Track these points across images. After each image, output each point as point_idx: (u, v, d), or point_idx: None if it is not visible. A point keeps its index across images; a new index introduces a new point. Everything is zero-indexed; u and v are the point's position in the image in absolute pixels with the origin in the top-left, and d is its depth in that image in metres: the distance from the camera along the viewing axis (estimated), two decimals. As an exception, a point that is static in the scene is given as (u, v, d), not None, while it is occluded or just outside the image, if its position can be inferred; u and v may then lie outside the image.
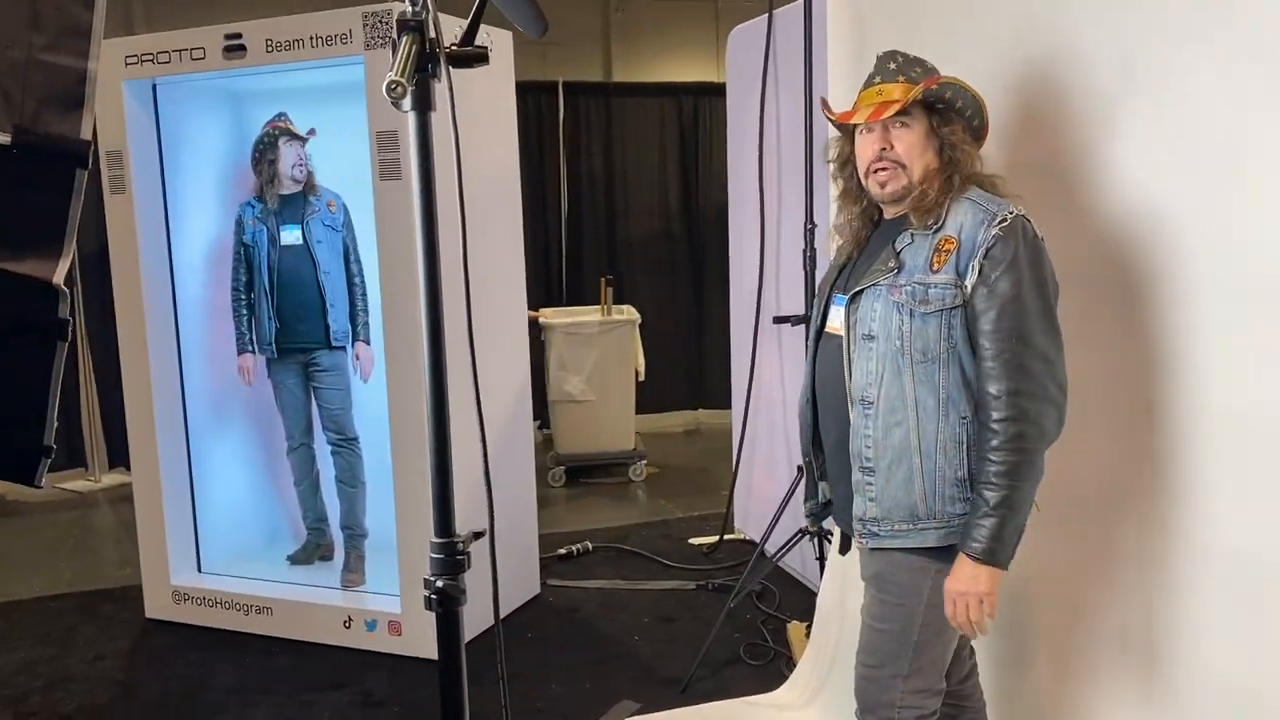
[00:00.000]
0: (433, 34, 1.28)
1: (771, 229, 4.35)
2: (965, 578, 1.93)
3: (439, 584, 1.36)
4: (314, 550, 4.35)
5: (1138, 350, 2.18)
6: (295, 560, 4.33)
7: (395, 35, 1.27)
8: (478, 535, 1.42)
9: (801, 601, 4.11)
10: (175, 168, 4.15)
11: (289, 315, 4.07)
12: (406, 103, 1.30)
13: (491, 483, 1.53)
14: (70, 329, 1.43)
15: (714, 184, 7.41)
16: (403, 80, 1.24)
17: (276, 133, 4.01)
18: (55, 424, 1.47)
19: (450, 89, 1.29)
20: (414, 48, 1.25)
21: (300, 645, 3.91)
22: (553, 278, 7.33)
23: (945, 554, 1.99)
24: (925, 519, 1.98)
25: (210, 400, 4.35)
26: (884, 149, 2.03)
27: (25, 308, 1.40)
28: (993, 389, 1.89)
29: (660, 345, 7.34)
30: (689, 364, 7.50)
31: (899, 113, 2.00)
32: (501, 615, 4.00)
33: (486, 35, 3.67)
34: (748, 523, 4.89)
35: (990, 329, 1.90)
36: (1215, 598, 2.06)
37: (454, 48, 1.33)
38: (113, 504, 6.08)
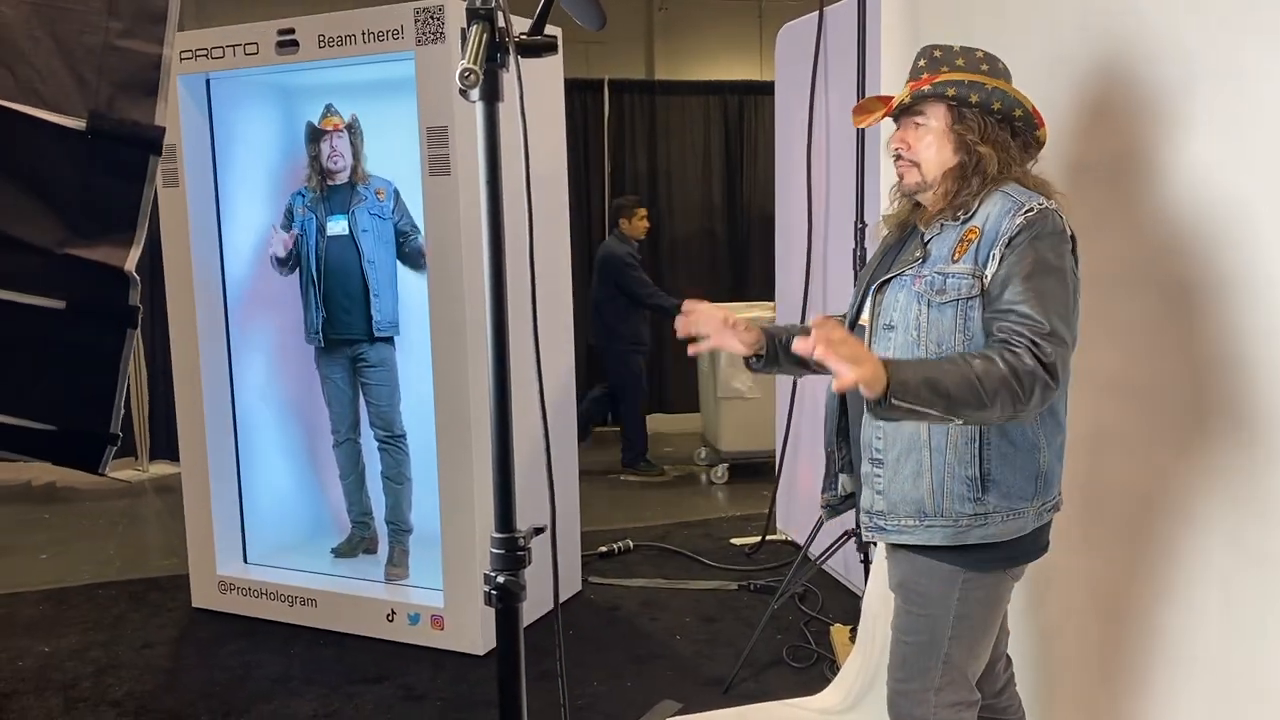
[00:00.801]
0: (502, 23, 1.27)
1: (819, 228, 4.32)
2: (858, 347, 1.69)
3: (500, 579, 1.34)
4: (358, 543, 4.38)
5: (1210, 354, 2.12)
6: (339, 553, 4.36)
7: (465, 24, 1.26)
8: (538, 531, 1.40)
9: (844, 604, 4.07)
10: (227, 162, 4.19)
11: (334, 305, 4.10)
12: (475, 92, 1.28)
13: (549, 479, 1.51)
14: (138, 315, 1.44)
15: (758, 183, 7.39)
16: (475, 68, 1.23)
17: (311, 127, 4.07)
18: (122, 412, 1.47)
19: (519, 78, 1.28)
20: (484, 36, 1.25)
21: (343, 637, 3.93)
22: (590, 274, 7.33)
23: (971, 560, 1.94)
24: (933, 516, 1.93)
25: (258, 392, 4.39)
26: (899, 147, 2.01)
27: (96, 294, 1.40)
28: (993, 351, 1.78)
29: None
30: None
31: (914, 111, 1.97)
32: (540, 614, 4.04)
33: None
34: (790, 524, 4.86)
35: (1003, 302, 1.82)
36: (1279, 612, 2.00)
37: (523, 36, 1.32)
38: (159, 494, 6.17)
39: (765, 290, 7.29)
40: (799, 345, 1.66)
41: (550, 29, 4.13)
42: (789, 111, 4.66)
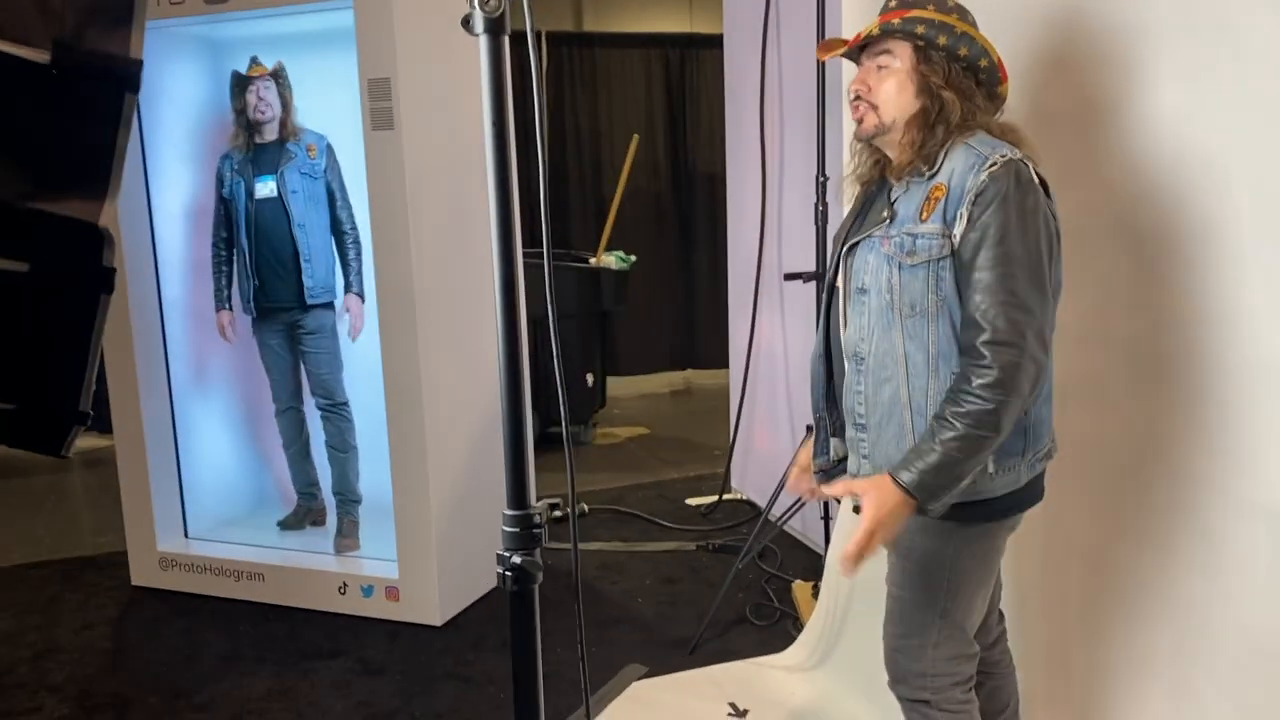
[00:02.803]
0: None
1: (774, 184, 4.24)
2: (875, 500, 1.76)
3: (515, 560, 1.24)
4: (305, 515, 4.24)
5: (1184, 303, 2.10)
6: (286, 525, 4.22)
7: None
8: (553, 508, 1.31)
9: (803, 561, 4.06)
10: (153, 120, 3.97)
11: (266, 272, 3.92)
12: (479, 24, 1.16)
13: (569, 456, 1.40)
14: (114, 278, 1.27)
15: (702, 140, 7.29)
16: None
17: (236, 76, 3.86)
18: (94, 388, 1.32)
19: (530, 11, 1.16)
20: None
21: (294, 612, 3.81)
22: (537, 233, 7.19)
23: (967, 515, 1.90)
24: None
25: (194, 361, 4.21)
26: (858, 88, 1.93)
27: (66, 254, 1.24)
28: (971, 336, 1.77)
29: (647, 305, 7.24)
30: (677, 324, 7.41)
31: (881, 50, 1.89)
32: (496, 583, 3.94)
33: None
34: (746, 483, 4.83)
35: (973, 275, 1.78)
36: (1264, 558, 2.00)
37: None
38: (88, 468, 5.93)
39: (711, 249, 7.23)
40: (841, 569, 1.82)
41: None
42: (739, 64, 4.57)
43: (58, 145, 1.20)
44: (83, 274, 1.25)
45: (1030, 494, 1.95)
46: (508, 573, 1.27)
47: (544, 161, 1.23)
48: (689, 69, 7.27)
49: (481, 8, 1.10)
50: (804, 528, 4.21)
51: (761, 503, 3.98)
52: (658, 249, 7.36)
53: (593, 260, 6.00)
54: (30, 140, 1.20)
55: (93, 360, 1.30)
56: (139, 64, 1.21)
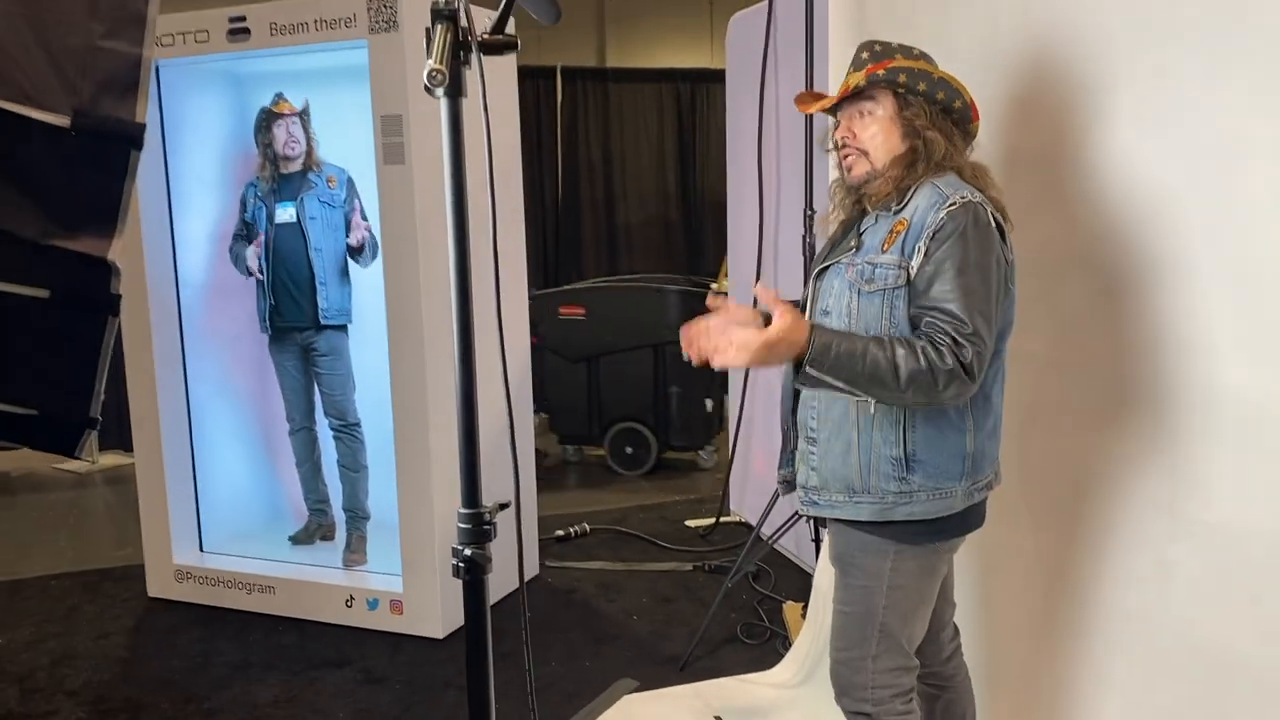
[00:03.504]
0: (464, 22, 1.31)
1: (770, 215, 4.40)
2: (787, 326, 1.82)
3: (467, 552, 1.40)
4: (315, 530, 4.40)
5: (1138, 334, 2.23)
6: (297, 540, 4.37)
7: (430, 24, 1.30)
8: (503, 506, 1.47)
9: (796, 582, 4.17)
10: (178, 150, 4.17)
11: (282, 294, 4.10)
12: (439, 89, 1.33)
13: (508, 461, 1.56)
14: (119, 304, 1.47)
15: (711, 169, 7.46)
16: (443, 68, 1.28)
17: (265, 113, 4.06)
18: (102, 397, 1.51)
19: (482, 77, 1.33)
20: (449, 36, 1.29)
21: (303, 624, 3.96)
22: (548, 261, 7.37)
23: (901, 533, 2.02)
24: (860, 492, 2.03)
25: (213, 380, 4.38)
26: (845, 137, 2.08)
27: (79, 283, 1.45)
28: (917, 343, 1.86)
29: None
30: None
31: (863, 99, 2.04)
32: (500, 597, 4.08)
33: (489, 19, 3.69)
34: (744, 505, 4.95)
35: (925, 301, 1.90)
36: (1210, 575, 2.11)
37: (486, 36, 1.37)
38: (109, 485, 6.11)
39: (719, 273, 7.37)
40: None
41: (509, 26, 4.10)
42: (740, 100, 4.73)
43: (74, 193, 1.41)
44: (94, 299, 1.45)
45: (970, 519, 2.08)
46: (461, 564, 1.43)
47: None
48: (699, 102, 7.46)
49: (430, 80, 1.26)
50: (797, 550, 4.33)
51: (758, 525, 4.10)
52: (670, 272, 7.53)
53: (714, 285, 6.12)
54: (52, 189, 1.40)
55: (101, 373, 1.49)
56: (142, 127, 1.41)
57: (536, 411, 6.61)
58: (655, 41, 12.18)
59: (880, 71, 2.00)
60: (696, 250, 7.51)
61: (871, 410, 1.99)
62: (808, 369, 1.86)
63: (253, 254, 4.10)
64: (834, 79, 3.29)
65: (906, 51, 2.07)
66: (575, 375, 5.99)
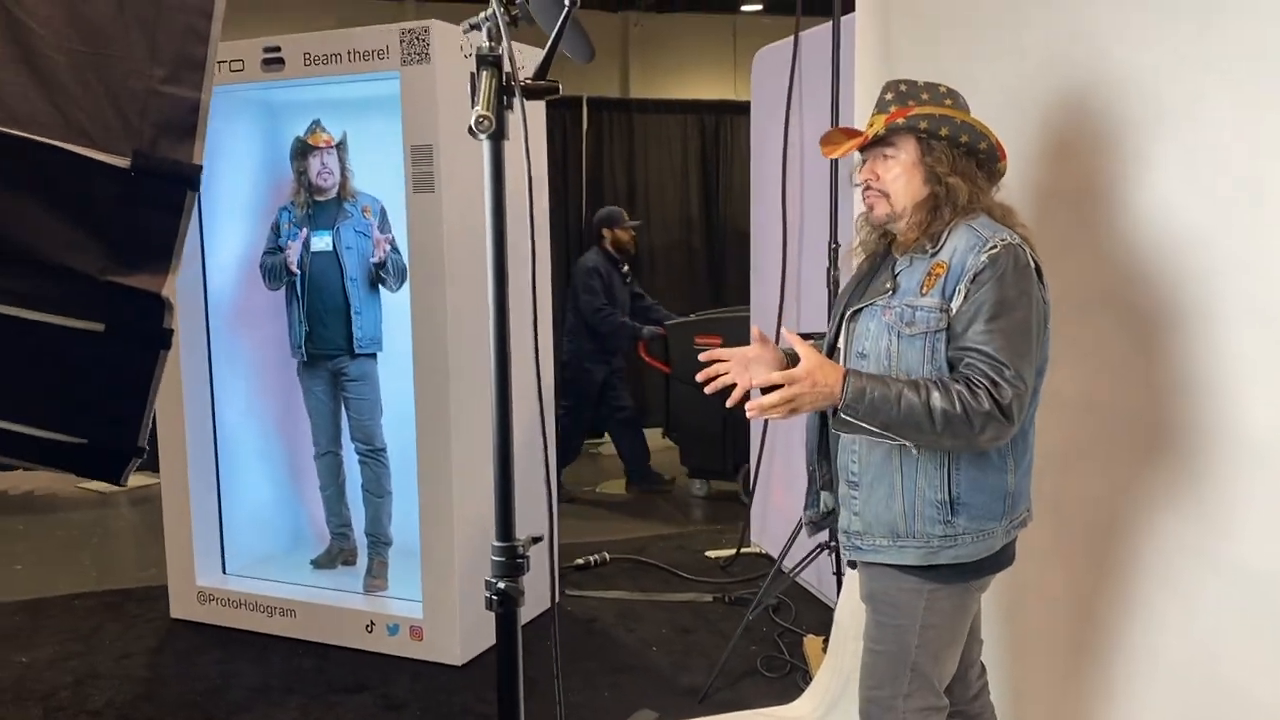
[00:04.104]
0: (508, 68, 1.35)
1: (794, 248, 4.41)
2: (822, 374, 1.89)
3: (501, 585, 1.42)
4: (337, 555, 4.42)
5: (1168, 375, 2.22)
6: (318, 564, 4.40)
7: (474, 69, 1.34)
8: (535, 540, 1.48)
9: (817, 616, 4.15)
10: (211, 177, 4.22)
11: (316, 321, 4.15)
12: (485, 135, 1.36)
13: (549, 490, 1.57)
14: (171, 338, 1.51)
15: (734, 200, 7.50)
16: (490, 114, 1.31)
17: (300, 141, 4.13)
18: (149, 427, 1.55)
19: (525, 122, 1.36)
20: (494, 82, 1.32)
21: (323, 648, 3.97)
22: (567, 289, 7.40)
23: (938, 574, 2.03)
24: (904, 537, 2.03)
25: (239, 404, 4.42)
26: (868, 178, 2.10)
27: (134, 318, 1.49)
28: (954, 385, 1.89)
29: (677, 360, 7.44)
30: (707, 379, 7.56)
31: (885, 144, 2.05)
32: (520, 623, 4.06)
33: (520, 53, 3.75)
34: (764, 537, 4.94)
35: (964, 342, 1.92)
36: (1239, 618, 2.10)
37: (529, 82, 1.40)
38: (132, 506, 6.16)
39: (741, 303, 7.39)
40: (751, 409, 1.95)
41: (533, 50, 4.22)
42: (764, 132, 4.76)
43: (132, 231, 1.45)
44: (147, 334, 1.49)
45: (1001, 559, 2.08)
46: (494, 596, 1.44)
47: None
48: (724, 133, 7.50)
49: (478, 127, 1.29)
50: (818, 583, 4.31)
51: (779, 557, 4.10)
52: (690, 303, 7.55)
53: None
54: (111, 227, 1.45)
55: (150, 404, 1.53)
56: (199, 168, 1.45)
57: (665, 434, 6.56)
58: (678, 73, 12.27)
59: (900, 120, 2.02)
60: (719, 280, 7.54)
61: (914, 454, 2.00)
62: (843, 415, 1.90)
63: (293, 252, 4.10)
64: (859, 115, 3.31)
65: (932, 90, 2.08)
66: (709, 406, 5.85)
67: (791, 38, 4.30)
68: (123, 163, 1.43)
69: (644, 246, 7.46)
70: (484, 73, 1.32)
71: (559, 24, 1.40)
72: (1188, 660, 2.22)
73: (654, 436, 6.75)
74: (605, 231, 6.12)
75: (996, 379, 1.86)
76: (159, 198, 1.47)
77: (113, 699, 3.58)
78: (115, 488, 6.44)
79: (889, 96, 2.09)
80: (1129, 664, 2.35)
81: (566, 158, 7.32)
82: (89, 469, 1.63)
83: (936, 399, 1.86)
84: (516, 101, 1.35)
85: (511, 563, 1.44)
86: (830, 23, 3.81)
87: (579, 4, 1.40)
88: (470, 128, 1.32)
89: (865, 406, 1.88)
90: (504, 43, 1.33)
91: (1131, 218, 2.30)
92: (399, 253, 4.11)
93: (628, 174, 7.41)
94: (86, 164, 1.41)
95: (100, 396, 1.57)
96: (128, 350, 1.52)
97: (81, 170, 1.42)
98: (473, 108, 1.32)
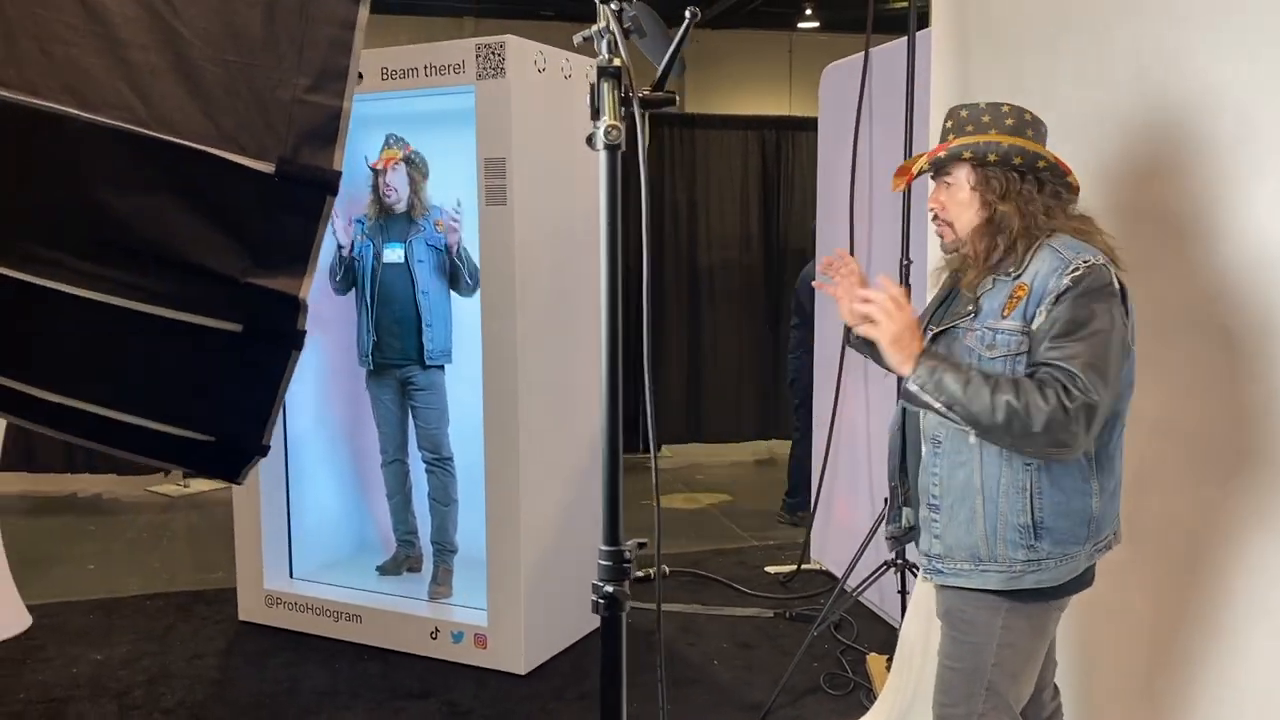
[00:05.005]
0: (628, 80, 1.37)
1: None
2: (908, 331, 1.98)
3: (608, 589, 1.44)
4: (403, 561, 4.47)
5: (1255, 398, 2.19)
6: (384, 570, 4.45)
7: (595, 81, 1.36)
8: (641, 545, 1.51)
9: (879, 634, 4.12)
10: (287, 187, 4.32)
11: (385, 331, 4.21)
12: (599, 142, 1.39)
13: (657, 500, 1.60)
14: (303, 339, 1.56)
15: (794, 217, 7.49)
16: (619, 124, 1.35)
17: (373, 162, 4.21)
18: (274, 426, 1.60)
19: (644, 133, 1.38)
20: (617, 93, 1.35)
21: (388, 653, 4.02)
22: (629, 304, 7.43)
23: (1018, 594, 2.01)
24: (986, 561, 2.02)
25: (310, 411, 4.50)
26: (934, 207, 2.12)
27: (271, 319, 1.54)
28: (1024, 386, 1.88)
29: (735, 375, 7.43)
30: (763, 394, 7.54)
31: (944, 173, 2.07)
32: (580, 635, 4.09)
33: (586, 67, 3.79)
34: (825, 553, 4.91)
35: (1039, 357, 1.92)
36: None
37: (649, 93, 1.43)
38: (197, 509, 6.27)
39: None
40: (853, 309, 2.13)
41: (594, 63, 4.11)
42: (832, 149, 4.76)
43: (274, 234, 1.50)
44: (281, 333, 1.54)
45: (1084, 579, 2.06)
46: (601, 600, 1.46)
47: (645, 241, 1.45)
48: (784, 149, 7.49)
49: (608, 136, 1.32)
50: (881, 601, 4.28)
51: (840, 574, 4.07)
52: (748, 321, 7.54)
53: None
54: (253, 230, 1.51)
55: (279, 403, 1.58)
56: (339, 174, 1.50)
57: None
58: (733, 89, 12.30)
59: (941, 154, 2.04)
60: (777, 296, 7.52)
61: (997, 476, 1.98)
62: (910, 385, 1.94)
63: (344, 235, 4.19)
64: (934, 134, 3.30)
65: (994, 111, 2.06)
66: None
67: (861, 54, 4.31)
68: (268, 169, 1.49)
69: (703, 264, 7.48)
70: (605, 84, 1.34)
71: (680, 35, 1.43)
72: (1272, 690, 2.17)
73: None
74: None
75: (1069, 386, 1.85)
76: (299, 203, 1.52)
77: (185, 699, 3.65)
78: (181, 490, 6.57)
79: (948, 125, 2.10)
80: (1211, 691, 2.31)
81: (627, 174, 7.35)
82: (209, 467, 1.69)
83: (1005, 389, 1.87)
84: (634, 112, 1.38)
85: (618, 566, 1.46)
86: (903, 39, 3.81)
87: (699, 16, 1.43)
88: (597, 138, 1.35)
89: (934, 381, 1.92)
90: (622, 55, 1.36)
91: (1221, 238, 2.27)
92: (470, 256, 4.16)
93: (688, 189, 7.43)
94: (234, 170, 1.47)
95: (233, 395, 1.62)
96: (262, 350, 1.58)
97: (228, 176, 1.47)
98: (595, 120, 1.35)
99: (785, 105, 12.48)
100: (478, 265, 3.91)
